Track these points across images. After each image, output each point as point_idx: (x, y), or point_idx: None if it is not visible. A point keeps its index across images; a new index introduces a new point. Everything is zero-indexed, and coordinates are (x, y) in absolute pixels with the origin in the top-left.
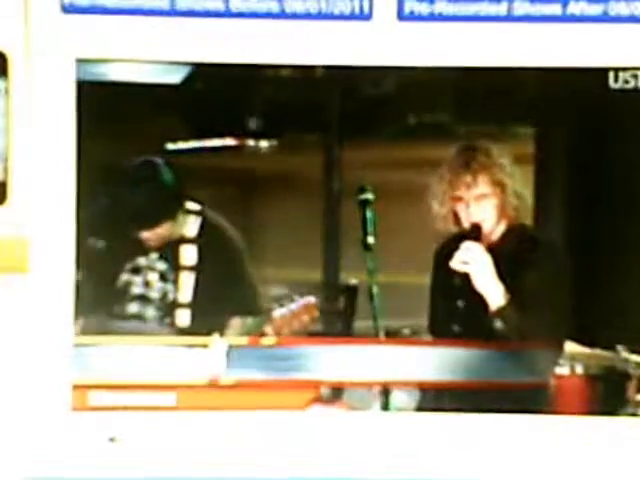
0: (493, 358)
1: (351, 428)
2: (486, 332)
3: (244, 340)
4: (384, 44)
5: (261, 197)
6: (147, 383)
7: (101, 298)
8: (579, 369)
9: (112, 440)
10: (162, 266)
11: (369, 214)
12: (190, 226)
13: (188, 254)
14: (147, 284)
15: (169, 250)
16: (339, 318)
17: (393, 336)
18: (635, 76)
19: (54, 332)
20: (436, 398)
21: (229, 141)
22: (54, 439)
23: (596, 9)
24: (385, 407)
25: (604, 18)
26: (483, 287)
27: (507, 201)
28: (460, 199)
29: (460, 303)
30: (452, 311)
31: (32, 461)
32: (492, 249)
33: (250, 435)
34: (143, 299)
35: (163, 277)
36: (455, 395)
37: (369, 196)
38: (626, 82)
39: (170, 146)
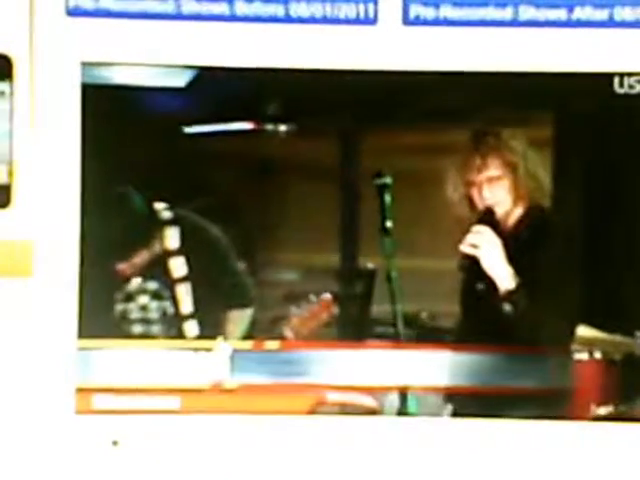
0: (510, 362)
1: (358, 433)
2: (498, 315)
3: (248, 344)
4: (389, 49)
5: (278, 183)
6: (151, 387)
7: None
8: (597, 355)
9: (115, 443)
10: (153, 285)
11: (387, 198)
12: (171, 239)
13: (178, 266)
14: (143, 308)
15: (155, 268)
16: (357, 303)
17: (411, 320)
18: None
19: (58, 335)
20: (448, 403)
21: (245, 125)
22: (58, 442)
23: (602, 14)
24: (397, 412)
25: (610, 23)
26: (492, 270)
27: (520, 183)
28: (472, 183)
29: (478, 286)
30: (471, 294)
31: (35, 464)
32: (508, 232)
33: (254, 439)
34: (144, 321)
35: (157, 296)
36: (469, 400)
37: (387, 180)
38: (631, 87)
39: (187, 130)
